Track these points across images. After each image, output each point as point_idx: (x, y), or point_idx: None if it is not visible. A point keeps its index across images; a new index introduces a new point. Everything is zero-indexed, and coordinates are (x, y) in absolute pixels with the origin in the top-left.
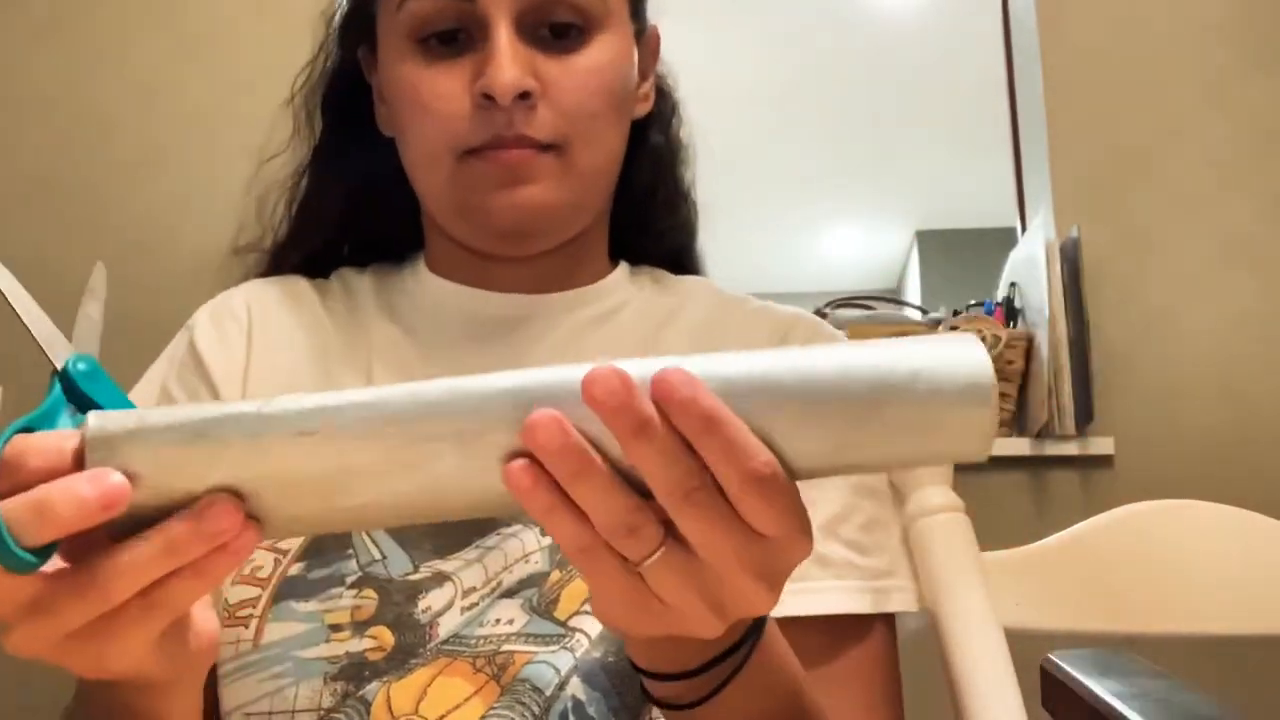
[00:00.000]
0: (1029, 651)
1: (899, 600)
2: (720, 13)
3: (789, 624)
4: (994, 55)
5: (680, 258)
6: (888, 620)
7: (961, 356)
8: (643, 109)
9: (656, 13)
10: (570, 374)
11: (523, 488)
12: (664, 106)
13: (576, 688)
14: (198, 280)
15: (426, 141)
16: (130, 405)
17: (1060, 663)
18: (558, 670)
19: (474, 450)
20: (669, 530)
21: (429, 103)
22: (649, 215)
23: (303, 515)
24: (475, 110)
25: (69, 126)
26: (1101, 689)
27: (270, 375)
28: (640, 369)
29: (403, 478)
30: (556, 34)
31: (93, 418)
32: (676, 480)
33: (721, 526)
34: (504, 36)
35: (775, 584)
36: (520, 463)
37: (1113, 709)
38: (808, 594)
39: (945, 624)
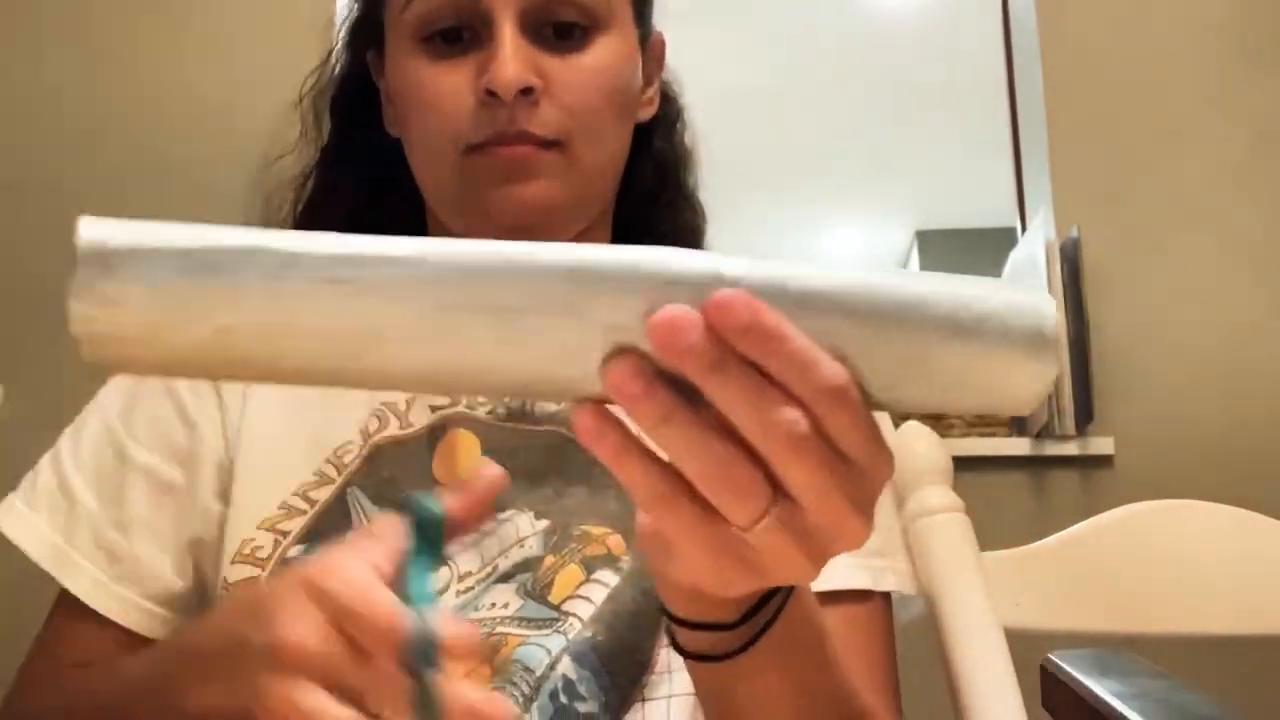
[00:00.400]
0: (1029, 651)
1: (894, 580)
2: (720, 12)
3: None
4: (994, 55)
5: None
6: (885, 600)
7: (1032, 307)
8: (646, 113)
9: (658, 17)
10: (630, 257)
11: (587, 429)
12: (669, 111)
13: (567, 667)
14: None
15: (430, 138)
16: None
17: (1060, 663)
18: (549, 651)
19: (515, 327)
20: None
21: (433, 99)
22: (652, 218)
23: (317, 369)
24: (479, 107)
25: (70, 126)
26: (1101, 689)
27: None
28: (700, 274)
29: (433, 345)
30: (560, 33)
31: (87, 225)
32: (778, 425)
33: (829, 469)
34: (508, 34)
35: (870, 513)
36: (587, 407)
37: (1113, 709)
38: None
39: (945, 623)
